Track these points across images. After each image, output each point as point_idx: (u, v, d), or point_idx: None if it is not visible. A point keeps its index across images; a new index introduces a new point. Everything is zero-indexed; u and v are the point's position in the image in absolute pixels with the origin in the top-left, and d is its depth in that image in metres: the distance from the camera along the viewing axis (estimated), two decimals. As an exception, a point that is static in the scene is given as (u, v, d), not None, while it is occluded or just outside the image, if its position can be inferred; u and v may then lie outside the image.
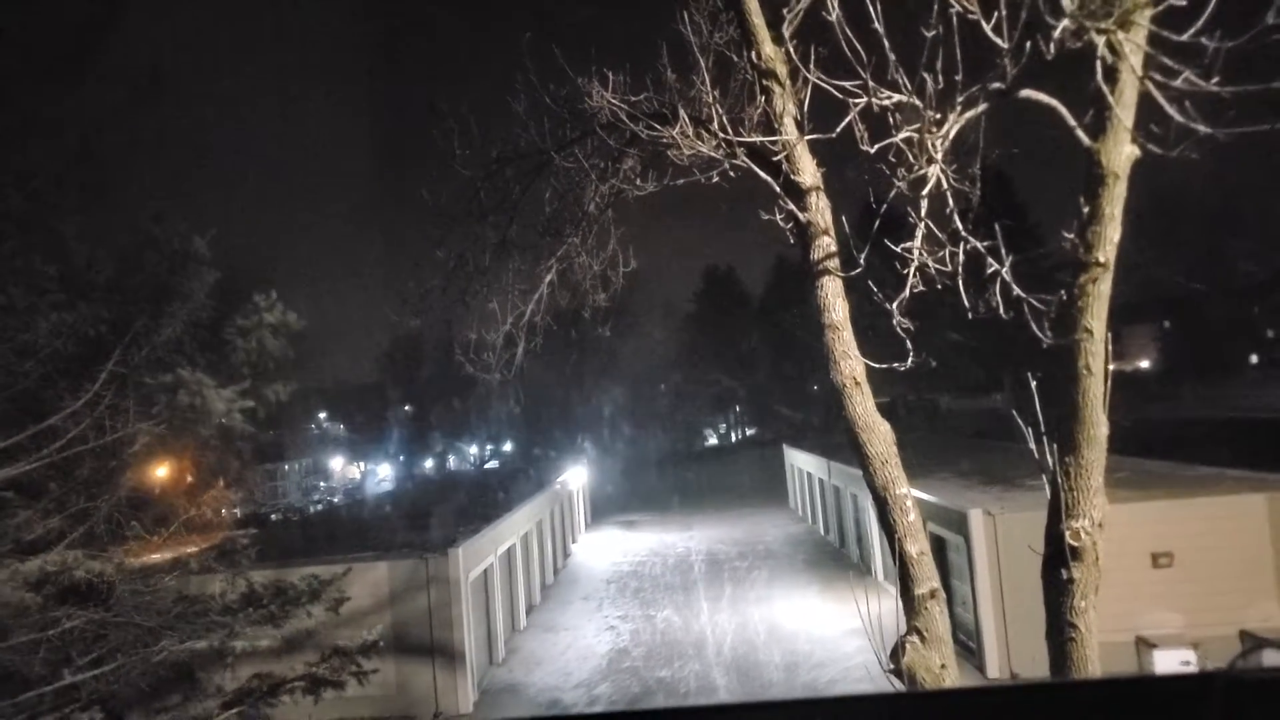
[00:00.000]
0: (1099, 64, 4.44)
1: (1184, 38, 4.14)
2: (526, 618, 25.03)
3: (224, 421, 10.65)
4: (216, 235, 12.16)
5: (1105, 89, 4.45)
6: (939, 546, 18.53)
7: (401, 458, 71.05)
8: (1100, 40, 4.37)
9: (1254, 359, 61.41)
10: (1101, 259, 4.59)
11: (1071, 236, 4.69)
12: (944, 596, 5.61)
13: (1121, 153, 4.53)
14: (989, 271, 4.84)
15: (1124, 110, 4.48)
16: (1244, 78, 4.16)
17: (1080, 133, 4.57)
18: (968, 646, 17.47)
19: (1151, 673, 13.85)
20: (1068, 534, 4.82)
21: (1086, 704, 1.16)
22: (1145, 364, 63.92)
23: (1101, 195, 4.55)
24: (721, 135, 5.83)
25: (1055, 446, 4.96)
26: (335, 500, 62.00)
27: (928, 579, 5.55)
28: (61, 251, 10.77)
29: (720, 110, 5.84)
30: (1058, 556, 4.91)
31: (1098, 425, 4.77)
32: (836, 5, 4.79)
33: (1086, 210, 4.61)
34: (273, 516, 44.56)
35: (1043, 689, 1.27)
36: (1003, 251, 4.78)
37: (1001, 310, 4.84)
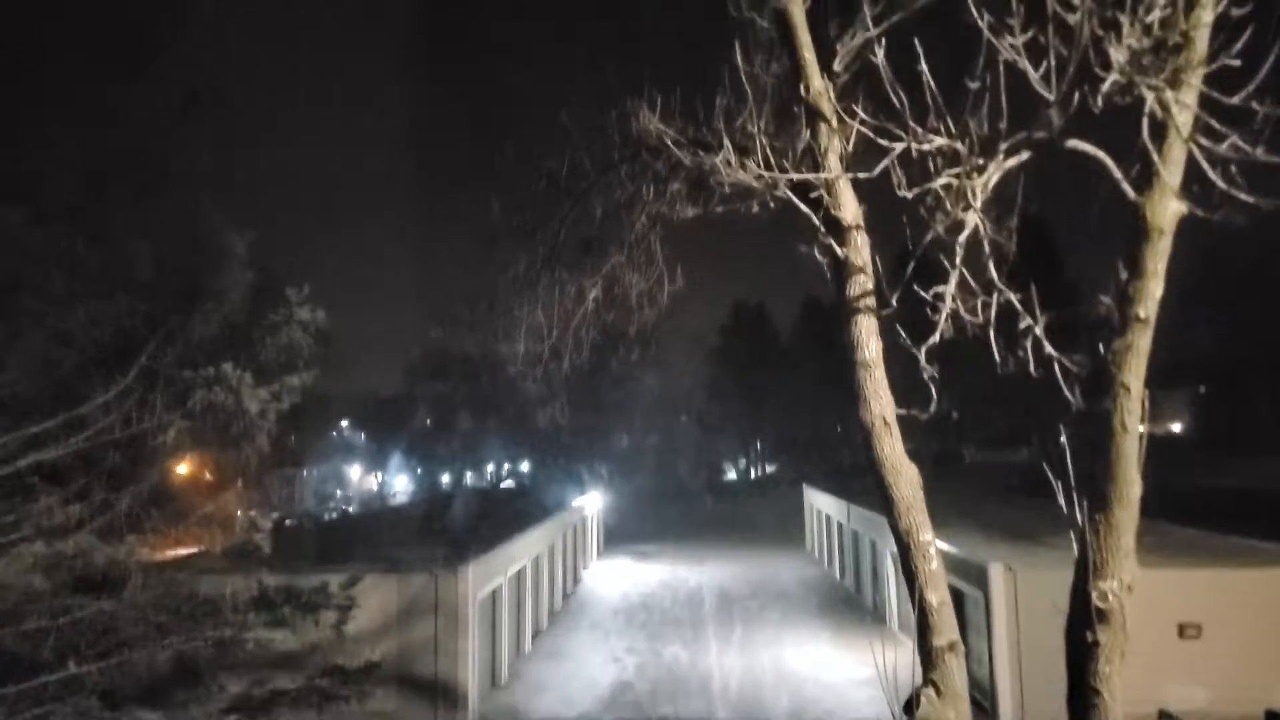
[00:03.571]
0: (1146, 121, 4.40)
1: (1235, 100, 4.10)
2: (532, 642, 24.82)
3: (255, 422, 10.70)
4: (255, 240, 12.35)
5: (1151, 146, 4.41)
6: (957, 600, 18.17)
7: (419, 470, 71.25)
8: (1150, 97, 4.34)
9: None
10: (1142, 314, 4.52)
11: (1108, 300, 4.63)
12: (963, 650, 5.48)
13: (1167, 209, 4.47)
14: (1022, 326, 4.78)
15: (1170, 168, 4.43)
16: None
17: (1126, 186, 4.52)
18: (981, 705, 17.07)
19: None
20: (1095, 594, 4.70)
21: None
22: (1177, 428, 62.82)
23: (1145, 250, 4.49)
24: (764, 166, 5.84)
25: (1085, 504, 4.86)
26: (350, 510, 62.14)
27: (947, 630, 5.43)
28: (108, 243, 10.99)
29: (764, 142, 5.85)
30: (1083, 617, 4.78)
31: (1130, 484, 4.66)
32: (883, 48, 4.81)
33: (1129, 264, 4.55)
34: (288, 522, 44.68)
35: None
36: (1037, 309, 4.72)
37: (1032, 368, 4.77)
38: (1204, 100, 4.23)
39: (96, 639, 10.40)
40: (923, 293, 5.01)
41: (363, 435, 77.42)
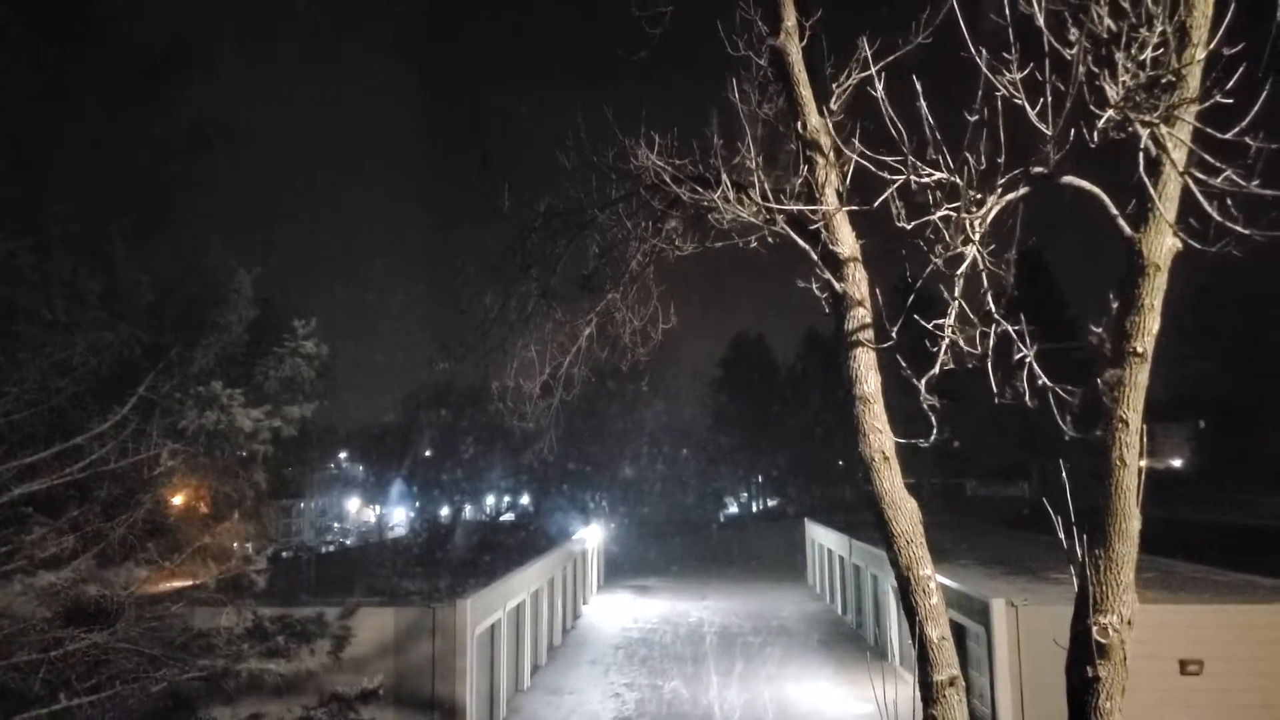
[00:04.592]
0: (1142, 156, 4.44)
1: (1228, 136, 4.14)
2: (531, 678, 24.54)
3: (250, 445, 10.65)
4: (261, 274, 12.37)
5: (1148, 181, 4.44)
6: (958, 635, 18.01)
7: (418, 504, 70.82)
8: (1144, 133, 4.37)
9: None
10: (1140, 349, 4.53)
11: (1100, 330, 4.64)
12: (964, 685, 5.42)
13: (1163, 244, 4.50)
14: (1018, 357, 4.78)
15: (1166, 203, 4.46)
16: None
17: (1122, 222, 4.54)
18: (982, 743, 16.84)
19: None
20: (1095, 629, 4.66)
21: None
22: (1177, 463, 62.60)
23: (1141, 285, 4.51)
24: (762, 202, 5.88)
25: (1085, 538, 4.83)
26: (348, 542, 61.71)
27: (948, 665, 5.37)
28: (109, 272, 11.02)
29: (762, 177, 5.90)
30: (1084, 652, 4.74)
31: (1130, 518, 4.64)
32: (882, 83, 4.86)
33: (1125, 299, 4.57)
34: (284, 554, 44.38)
35: None
36: (1027, 339, 4.74)
37: (1027, 398, 4.77)
38: (1199, 135, 4.26)
39: (88, 672, 10.27)
40: (924, 323, 5.02)
41: (361, 467, 77.05)
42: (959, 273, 4.78)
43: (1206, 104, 4.24)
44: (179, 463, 10.60)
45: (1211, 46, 4.21)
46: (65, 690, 10.03)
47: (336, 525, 72.60)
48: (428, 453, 65.99)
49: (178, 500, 12.69)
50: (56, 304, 10.37)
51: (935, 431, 5.23)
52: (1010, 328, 4.77)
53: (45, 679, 9.80)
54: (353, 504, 77.11)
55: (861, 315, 5.75)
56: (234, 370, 11.91)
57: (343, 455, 76.33)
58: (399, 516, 73.48)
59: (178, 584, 12.14)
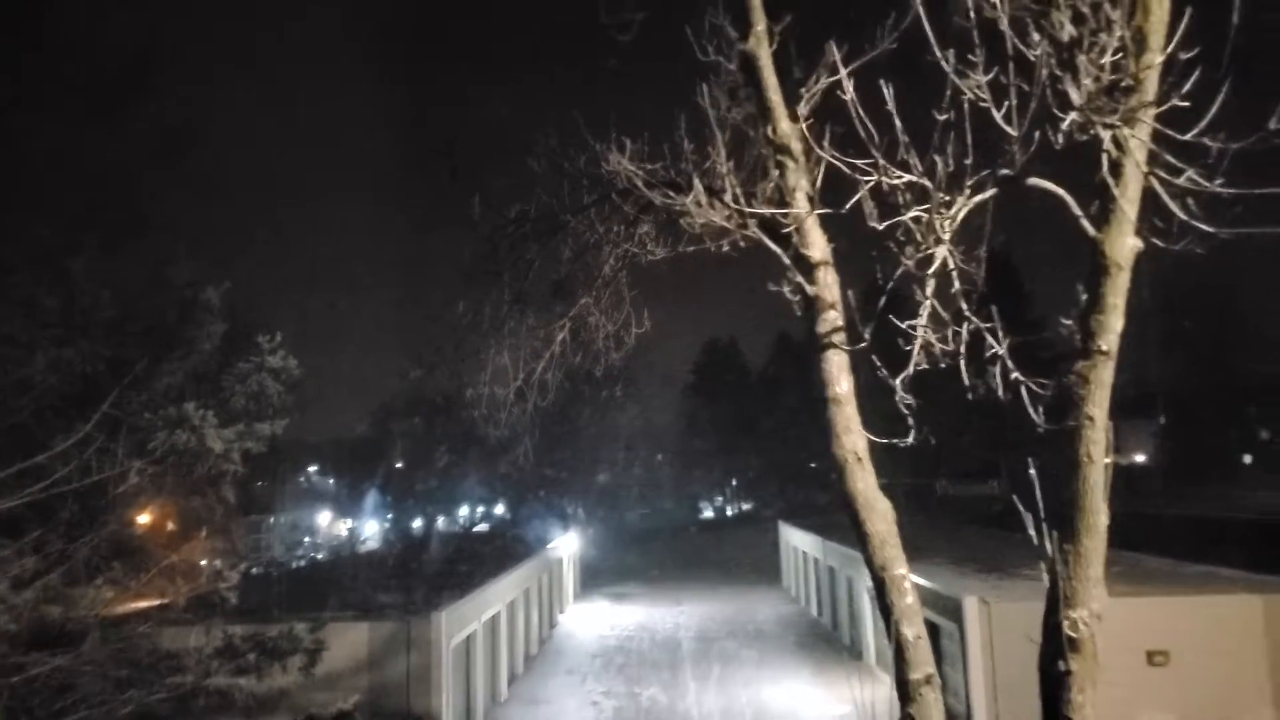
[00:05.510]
0: (1104, 157, 4.52)
1: (1187, 137, 4.23)
2: (508, 689, 24.37)
3: (220, 465, 10.48)
4: (229, 288, 12.18)
5: (1110, 181, 4.52)
6: (932, 633, 18.09)
7: (390, 516, 70.04)
8: (1106, 135, 4.45)
9: (1248, 459, 61.15)
10: (1104, 347, 4.60)
11: (1070, 322, 4.71)
12: (939, 683, 5.46)
13: (1125, 244, 4.57)
14: (990, 353, 4.84)
15: (1128, 203, 4.54)
16: (1249, 179, 4.23)
17: (1085, 222, 4.62)
18: (958, 740, 16.99)
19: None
20: (1066, 624, 4.72)
21: None
22: (1141, 458, 63.65)
23: (1104, 284, 4.58)
24: (734, 206, 5.91)
25: (1054, 535, 4.89)
26: (319, 557, 60.85)
27: (923, 664, 5.41)
28: (68, 288, 10.80)
29: (734, 181, 5.92)
30: (1055, 647, 4.80)
31: (1098, 514, 4.71)
32: (851, 87, 4.90)
33: (1089, 298, 4.64)
34: (253, 570, 43.66)
35: None
36: (1000, 334, 4.80)
37: (1000, 392, 4.83)
38: (1163, 137, 4.35)
39: (53, 697, 10.03)
40: (898, 323, 5.07)
41: (332, 480, 76.10)
42: (930, 273, 4.83)
43: (1165, 107, 4.33)
44: (146, 480, 10.40)
45: (1168, 51, 4.29)
46: (26, 717, 9.79)
47: (307, 539, 71.46)
48: (400, 464, 65.39)
49: (144, 518, 12.46)
50: (15, 320, 10.15)
51: (913, 430, 5.28)
52: (982, 325, 4.83)
53: (7, 706, 9.57)
54: (324, 518, 76.03)
55: (833, 318, 5.78)
56: (203, 386, 11.73)
57: (313, 468, 75.38)
58: (371, 529, 72.62)
59: (145, 604, 11.91)
